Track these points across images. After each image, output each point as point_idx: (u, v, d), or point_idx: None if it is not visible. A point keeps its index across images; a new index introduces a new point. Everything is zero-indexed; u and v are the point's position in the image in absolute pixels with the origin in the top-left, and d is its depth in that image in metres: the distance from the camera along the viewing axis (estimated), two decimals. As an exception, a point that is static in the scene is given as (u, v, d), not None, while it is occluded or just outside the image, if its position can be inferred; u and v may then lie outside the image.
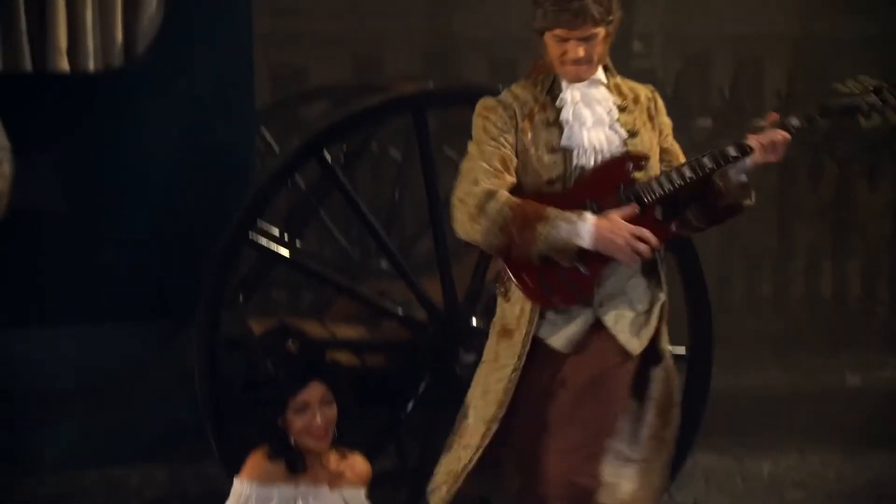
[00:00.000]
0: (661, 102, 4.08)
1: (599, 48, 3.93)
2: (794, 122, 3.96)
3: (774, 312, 8.61)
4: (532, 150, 3.92)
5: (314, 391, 3.99)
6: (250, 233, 4.77)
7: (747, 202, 4.04)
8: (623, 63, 8.82)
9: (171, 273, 4.90)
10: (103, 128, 4.81)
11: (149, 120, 4.83)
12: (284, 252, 5.14)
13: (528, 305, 3.99)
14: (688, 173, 3.90)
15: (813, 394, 7.45)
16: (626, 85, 4.05)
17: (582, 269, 3.91)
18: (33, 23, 4.73)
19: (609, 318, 3.97)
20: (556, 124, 3.94)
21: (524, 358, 3.98)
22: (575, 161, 3.92)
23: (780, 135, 3.94)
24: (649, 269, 4.03)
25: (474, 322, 4.85)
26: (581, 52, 3.89)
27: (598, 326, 3.98)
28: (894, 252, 8.53)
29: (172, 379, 4.90)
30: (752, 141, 3.95)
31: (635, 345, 3.99)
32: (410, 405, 4.90)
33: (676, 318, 6.30)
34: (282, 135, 6.81)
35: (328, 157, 4.92)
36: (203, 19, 4.86)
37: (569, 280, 3.91)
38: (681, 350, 4.92)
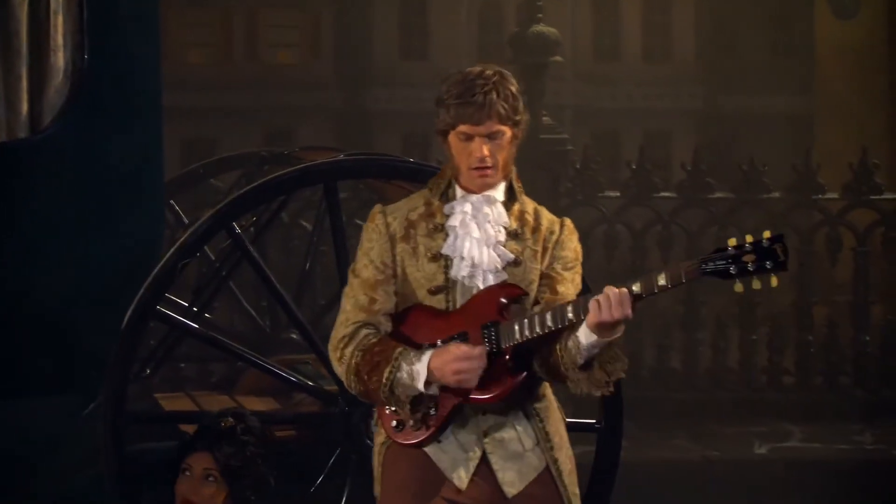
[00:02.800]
0: (568, 236, 3.84)
1: (505, 151, 3.73)
2: (660, 281, 3.56)
3: (683, 383, 8.69)
4: (412, 259, 3.76)
5: (198, 460, 3.98)
6: (158, 305, 4.74)
7: (580, 376, 3.69)
8: (532, 136, 8.95)
9: (77, 347, 4.84)
10: (7, 199, 4.75)
11: (55, 191, 4.78)
12: (193, 325, 5.12)
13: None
14: (549, 321, 3.64)
15: (721, 463, 7.53)
16: (535, 213, 3.84)
17: (432, 412, 3.72)
18: (-63, 94, 4.72)
19: (492, 451, 3.77)
20: (441, 231, 3.77)
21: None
22: (454, 272, 3.74)
23: (616, 293, 3.57)
24: (527, 412, 3.81)
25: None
26: (486, 150, 3.69)
27: (484, 460, 3.77)
28: (798, 323, 8.66)
29: (78, 454, 4.82)
30: (593, 302, 3.60)
31: (514, 486, 3.76)
32: (321, 478, 4.87)
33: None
34: (192, 206, 6.78)
35: (238, 229, 4.91)
36: (112, 91, 4.83)
37: (417, 421, 3.74)
38: (591, 421, 4.94)
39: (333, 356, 3.79)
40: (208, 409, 5.29)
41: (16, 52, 4.75)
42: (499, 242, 3.75)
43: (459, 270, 3.73)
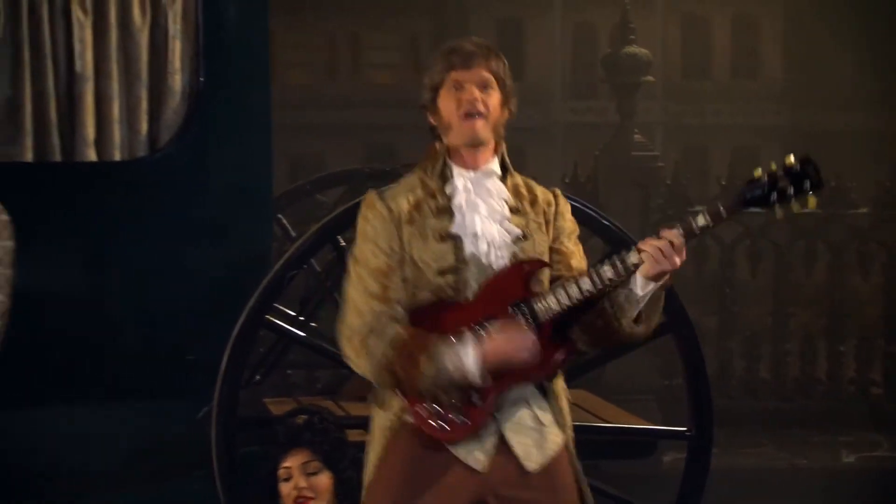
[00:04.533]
0: (564, 206, 3.76)
1: (496, 108, 3.64)
2: (700, 221, 3.50)
3: (771, 393, 8.73)
4: (420, 242, 3.61)
5: (294, 458, 4.03)
6: (267, 315, 4.86)
7: (637, 329, 3.59)
8: (624, 154, 9.06)
9: (190, 354, 4.94)
10: (126, 215, 4.90)
11: (172, 207, 4.92)
12: (300, 333, 5.23)
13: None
14: (587, 287, 3.52)
15: (809, 472, 7.56)
16: (526, 186, 3.74)
17: (476, 399, 3.54)
18: (63, 115, 4.83)
19: (508, 427, 3.62)
20: (447, 211, 3.63)
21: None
22: (467, 250, 3.59)
23: (671, 239, 3.49)
24: (543, 388, 3.68)
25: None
26: (477, 93, 3.60)
27: (501, 438, 3.62)
28: (886, 335, 8.67)
29: (190, 459, 4.91)
30: (646, 246, 3.51)
31: (534, 460, 3.62)
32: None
33: (677, 399, 6.42)
34: (299, 220, 6.96)
35: (342, 242, 5.03)
36: (225, 111, 4.95)
37: (460, 413, 3.56)
38: (681, 429, 5.02)
39: (349, 346, 3.59)
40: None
41: (136, 76, 4.88)
42: (505, 217, 3.66)
43: (477, 247, 3.60)
